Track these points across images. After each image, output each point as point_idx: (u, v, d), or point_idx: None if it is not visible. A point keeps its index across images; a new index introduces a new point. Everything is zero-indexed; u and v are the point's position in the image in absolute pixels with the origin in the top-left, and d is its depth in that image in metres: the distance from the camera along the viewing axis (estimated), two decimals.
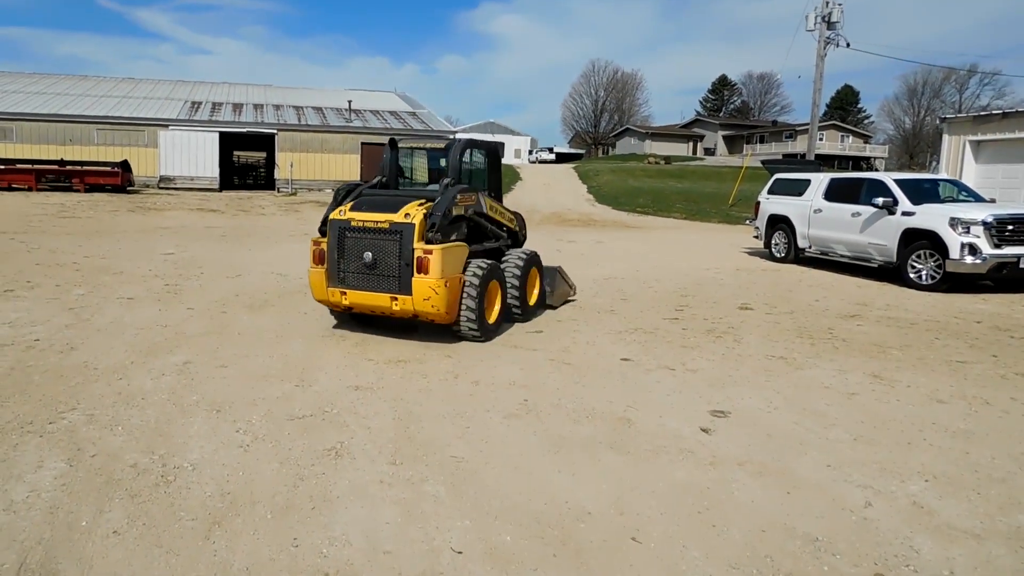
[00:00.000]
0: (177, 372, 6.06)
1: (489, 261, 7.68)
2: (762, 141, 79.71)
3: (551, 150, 79.05)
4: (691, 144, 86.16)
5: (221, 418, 5.00)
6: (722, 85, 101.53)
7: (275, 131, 36.16)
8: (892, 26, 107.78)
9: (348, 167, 37.04)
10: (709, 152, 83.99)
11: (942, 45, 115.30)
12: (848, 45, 31.16)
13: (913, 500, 4.05)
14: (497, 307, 7.74)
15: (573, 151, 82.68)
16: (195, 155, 35.10)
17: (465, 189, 7.64)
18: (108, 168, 30.31)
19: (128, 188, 31.18)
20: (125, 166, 30.84)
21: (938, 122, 22.97)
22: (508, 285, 8.04)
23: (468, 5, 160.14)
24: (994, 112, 19.01)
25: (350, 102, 39.86)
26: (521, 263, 8.23)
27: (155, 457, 4.31)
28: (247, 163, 53.90)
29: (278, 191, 35.83)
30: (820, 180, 15.23)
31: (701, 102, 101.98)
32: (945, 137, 19.48)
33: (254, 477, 4.07)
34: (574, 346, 7.38)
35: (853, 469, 4.45)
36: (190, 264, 12.48)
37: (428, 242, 6.93)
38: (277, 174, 36.72)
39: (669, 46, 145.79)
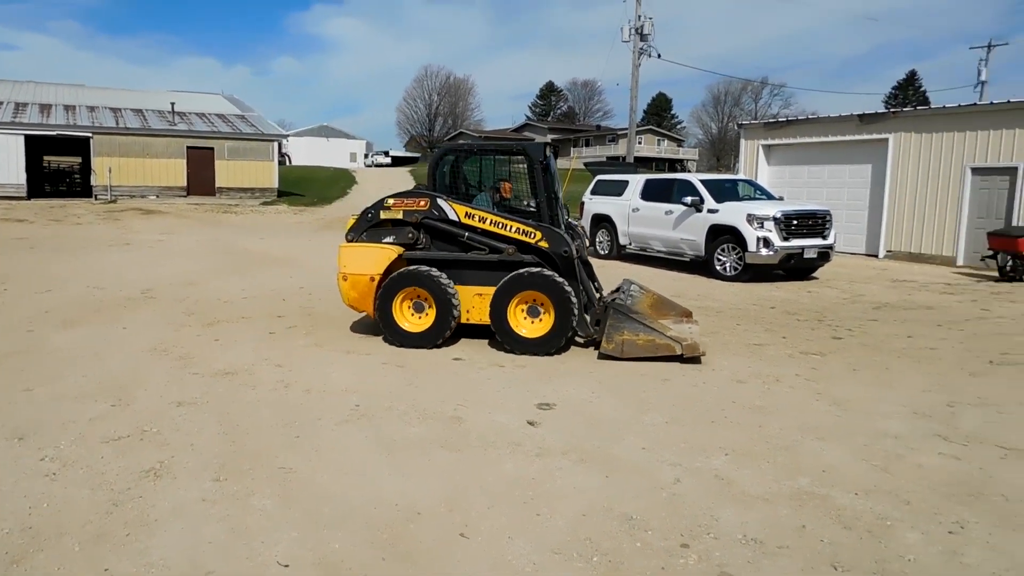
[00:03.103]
0: None
1: (424, 269, 7.30)
2: (587, 144, 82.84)
3: (387, 154, 78.08)
4: None
5: (24, 446, 4.53)
6: (549, 91, 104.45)
7: (90, 134, 33.25)
8: (699, 40, 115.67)
9: (173, 172, 34.72)
10: None
11: (740, 59, 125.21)
12: (659, 56, 32.98)
13: (715, 473, 4.36)
14: (429, 320, 7.32)
15: (409, 155, 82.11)
16: None
17: (407, 194, 7.69)
18: None
19: None
20: None
21: (737, 128, 24.89)
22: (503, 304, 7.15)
23: (300, 7, 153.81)
24: (780, 120, 20.88)
25: (173, 104, 37.38)
26: (502, 283, 7.19)
27: None
28: (60, 169, 49.14)
29: (96, 198, 33.00)
30: (637, 181, 16.06)
31: (530, 107, 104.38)
32: (743, 141, 21.15)
33: (61, 507, 3.72)
34: (408, 349, 7.33)
35: (665, 449, 4.73)
36: None
37: (347, 240, 7.77)
38: (94, 180, 33.79)
39: (500, 52, 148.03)
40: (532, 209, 7.66)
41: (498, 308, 7.19)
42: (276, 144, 38.05)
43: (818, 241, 13.02)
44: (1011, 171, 15.36)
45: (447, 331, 7.29)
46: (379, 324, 7.48)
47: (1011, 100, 15.66)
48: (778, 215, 12.62)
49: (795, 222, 12.77)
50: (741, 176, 18.46)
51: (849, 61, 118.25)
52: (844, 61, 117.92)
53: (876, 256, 17.75)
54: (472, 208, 7.48)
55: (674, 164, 76.63)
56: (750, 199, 14.33)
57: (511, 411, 5.41)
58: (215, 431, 4.88)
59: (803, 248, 12.72)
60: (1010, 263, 13.65)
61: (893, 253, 17.50)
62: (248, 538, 3.46)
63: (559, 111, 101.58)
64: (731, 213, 13.14)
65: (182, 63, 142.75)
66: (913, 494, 4.12)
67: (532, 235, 7.31)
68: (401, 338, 7.37)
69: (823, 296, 11.48)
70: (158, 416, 5.15)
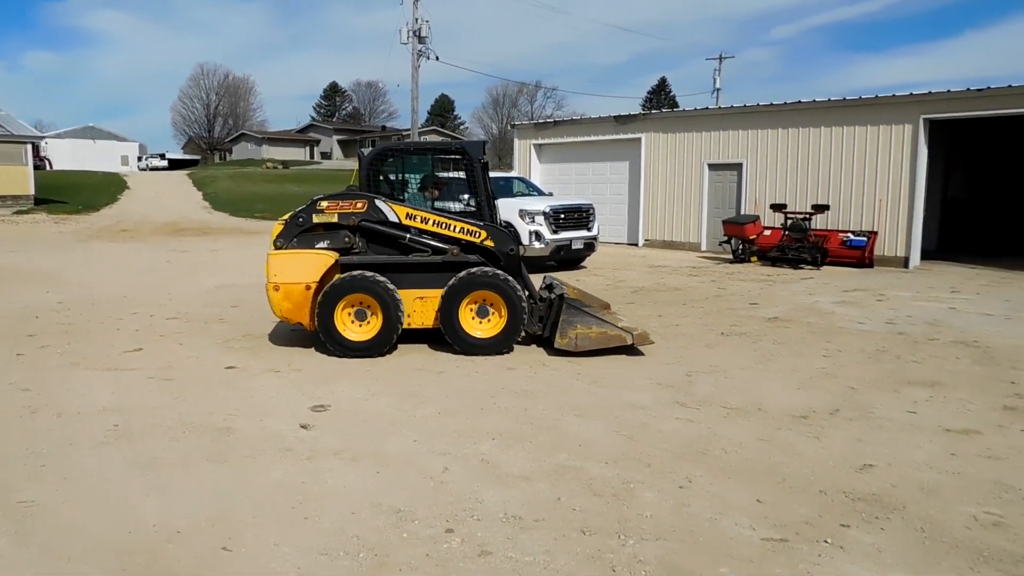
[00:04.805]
0: None
1: (369, 274, 6.81)
2: (374, 145, 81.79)
3: (163, 156, 71.83)
4: (308, 148, 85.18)
5: None
6: (334, 92, 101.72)
7: None
8: (477, 44, 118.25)
9: None
10: (326, 156, 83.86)
11: (516, 63, 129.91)
12: (438, 58, 33.38)
13: (482, 458, 4.49)
14: (378, 326, 6.86)
15: (188, 157, 76.06)
16: None
17: (341, 195, 7.04)
18: None
19: None
20: None
21: (510, 128, 25.83)
22: (448, 308, 6.91)
23: None
24: (549, 121, 21.95)
25: None
26: (452, 283, 6.92)
27: None
28: None
29: None
30: (418, 179, 16.11)
31: (315, 108, 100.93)
32: (516, 141, 21.94)
33: None
34: (178, 360, 6.83)
35: (436, 440, 4.80)
36: None
37: (275, 248, 7.11)
38: None
39: (281, 52, 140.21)
40: (471, 208, 7.51)
41: (448, 310, 6.93)
42: (30, 146, 33.71)
43: (584, 233, 13.87)
44: (738, 167, 17.32)
45: (394, 338, 6.94)
46: (320, 335, 6.92)
47: (734, 105, 17.71)
48: (547, 210, 13.27)
49: (563, 216, 13.51)
50: (515, 174, 19.17)
51: (612, 67, 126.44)
52: (607, 67, 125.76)
53: (636, 245, 19.24)
54: (414, 209, 7.18)
55: None
56: (523, 195, 14.94)
57: (284, 416, 5.22)
58: None
59: (571, 240, 13.50)
60: (741, 247, 15.42)
61: (650, 241, 19.06)
62: None
63: (344, 112, 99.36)
64: (505, 209, 13.54)
65: None
66: (653, 457, 4.52)
67: (477, 234, 7.15)
68: (345, 349, 6.89)
69: (589, 283, 12.23)
70: None
